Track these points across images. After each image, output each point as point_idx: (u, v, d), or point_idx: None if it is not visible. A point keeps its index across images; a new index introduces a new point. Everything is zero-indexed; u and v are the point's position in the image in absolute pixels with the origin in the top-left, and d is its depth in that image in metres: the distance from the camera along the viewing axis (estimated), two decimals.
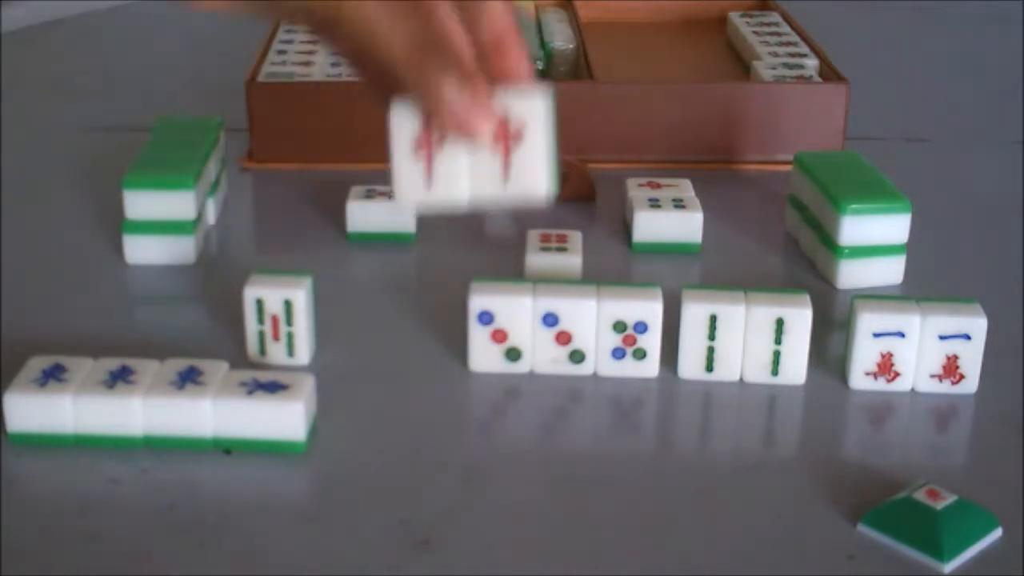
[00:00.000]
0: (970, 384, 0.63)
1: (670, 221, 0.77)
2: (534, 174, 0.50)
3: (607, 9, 1.17)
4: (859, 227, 0.72)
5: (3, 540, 0.52)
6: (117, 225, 0.75)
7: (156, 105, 0.99)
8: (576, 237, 0.73)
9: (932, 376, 0.63)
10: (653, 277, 0.67)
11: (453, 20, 0.51)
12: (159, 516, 0.53)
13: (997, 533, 0.53)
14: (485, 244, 0.79)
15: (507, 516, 0.54)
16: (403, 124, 0.51)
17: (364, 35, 0.50)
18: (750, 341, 0.63)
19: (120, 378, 0.58)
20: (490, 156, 0.50)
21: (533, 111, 0.50)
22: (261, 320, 0.63)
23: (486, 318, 0.63)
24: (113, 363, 0.58)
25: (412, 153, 0.51)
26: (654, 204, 0.77)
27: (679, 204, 0.77)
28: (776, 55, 0.99)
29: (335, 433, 0.58)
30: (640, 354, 0.63)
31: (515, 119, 0.50)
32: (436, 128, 0.50)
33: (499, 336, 0.63)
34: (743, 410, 0.62)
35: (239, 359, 0.63)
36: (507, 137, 0.50)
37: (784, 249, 0.79)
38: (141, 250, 0.74)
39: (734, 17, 1.11)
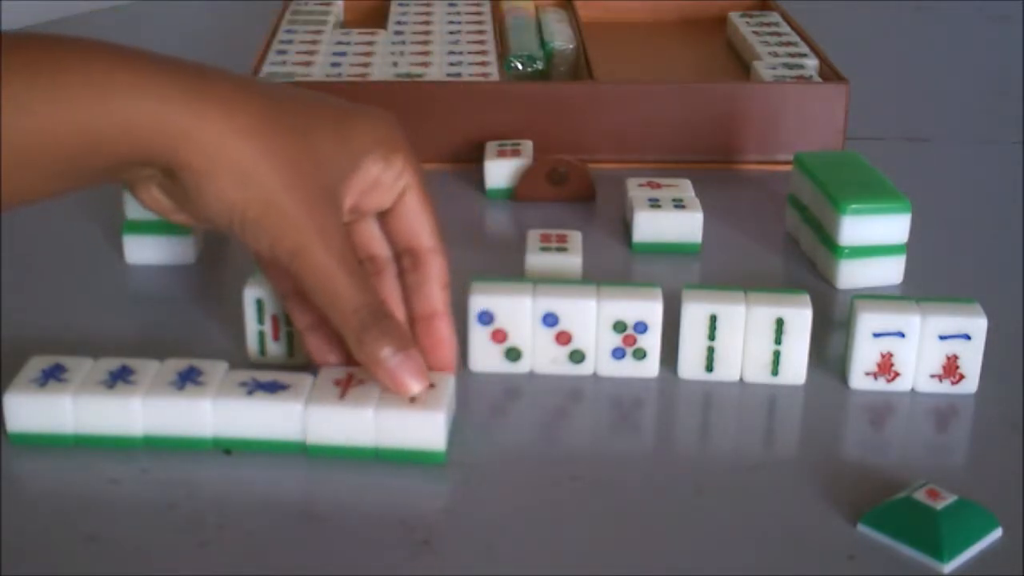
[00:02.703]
0: (970, 384, 0.63)
1: (670, 221, 0.77)
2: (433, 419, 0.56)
3: (607, 9, 1.17)
4: (859, 227, 0.72)
5: (3, 540, 0.52)
6: (117, 225, 0.75)
7: None
8: (576, 237, 0.73)
9: (932, 376, 0.63)
10: (653, 277, 0.67)
11: (394, 290, 0.59)
12: (159, 516, 0.53)
13: (997, 533, 0.53)
14: (485, 244, 0.79)
15: (507, 516, 0.54)
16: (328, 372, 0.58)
17: (314, 288, 0.55)
18: (750, 341, 0.63)
19: (120, 378, 0.58)
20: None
21: (444, 379, 0.58)
22: (261, 320, 0.63)
23: (486, 318, 0.63)
24: (113, 363, 0.59)
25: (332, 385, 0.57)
26: (654, 204, 0.77)
27: (679, 204, 0.77)
28: (776, 55, 0.99)
29: None
30: (640, 354, 0.63)
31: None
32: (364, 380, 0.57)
33: (499, 336, 0.63)
34: (743, 410, 0.62)
35: (239, 359, 0.63)
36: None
37: (784, 249, 0.79)
38: (141, 250, 0.74)
39: (734, 17, 1.11)
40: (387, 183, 0.58)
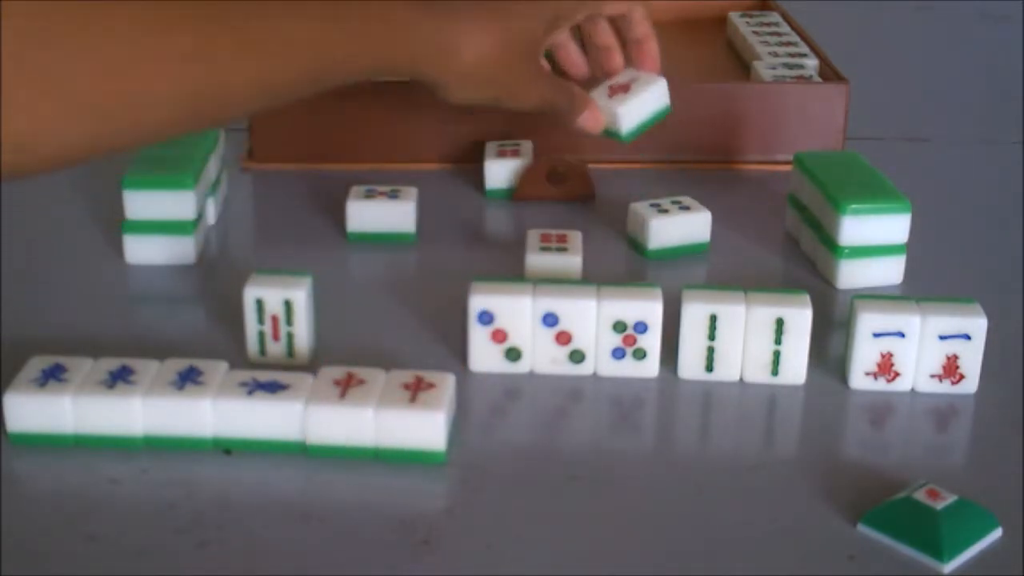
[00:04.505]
0: (970, 384, 0.63)
1: (681, 224, 0.76)
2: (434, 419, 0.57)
3: None
4: (859, 227, 0.72)
5: (3, 540, 0.52)
6: (117, 225, 0.75)
7: None
8: (576, 237, 0.73)
9: (932, 376, 0.63)
10: (654, 277, 0.67)
11: (608, 33, 0.78)
12: (159, 516, 0.54)
13: (997, 533, 0.53)
14: (485, 244, 0.79)
15: (507, 516, 0.54)
16: None
17: (533, 109, 0.74)
18: (750, 341, 0.63)
19: (120, 378, 0.58)
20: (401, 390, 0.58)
21: (444, 379, 0.58)
22: (261, 320, 0.63)
23: (486, 318, 0.63)
24: (113, 363, 0.59)
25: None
26: (661, 210, 0.77)
27: (683, 207, 0.77)
28: (776, 55, 0.99)
29: None
30: (640, 354, 0.63)
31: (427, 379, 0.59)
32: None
33: (499, 336, 0.63)
34: (743, 410, 0.62)
35: (239, 359, 0.63)
36: (418, 387, 0.58)
37: (784, 249, 0.79)
38: (141, 250, 0.74)
39: (734, 17, 1.11)
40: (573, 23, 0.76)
